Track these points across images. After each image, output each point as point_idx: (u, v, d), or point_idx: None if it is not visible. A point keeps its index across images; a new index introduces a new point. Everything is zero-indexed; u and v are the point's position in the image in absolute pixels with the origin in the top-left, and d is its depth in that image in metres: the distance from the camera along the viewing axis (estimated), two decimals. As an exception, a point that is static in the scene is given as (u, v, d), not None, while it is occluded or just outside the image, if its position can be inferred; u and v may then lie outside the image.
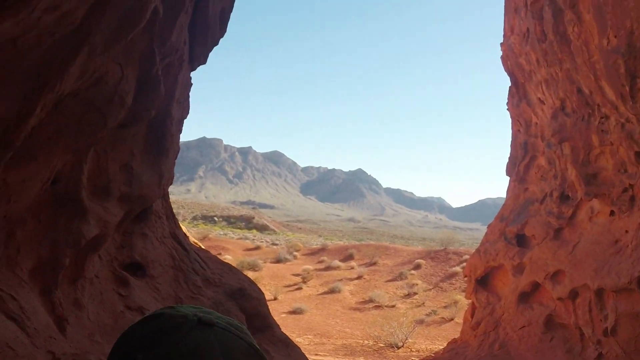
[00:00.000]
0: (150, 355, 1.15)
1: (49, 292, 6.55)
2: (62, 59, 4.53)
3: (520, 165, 17.56)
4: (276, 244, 58.02)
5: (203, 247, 14.56)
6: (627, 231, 11.72)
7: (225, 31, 11.69)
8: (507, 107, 18.32)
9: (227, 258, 34.83)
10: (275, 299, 30.61)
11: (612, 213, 12.46)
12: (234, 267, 13.52)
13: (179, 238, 10.98)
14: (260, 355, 1.19)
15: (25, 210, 5.99)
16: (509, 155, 18.69)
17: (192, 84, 11.25)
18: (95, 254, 7.81)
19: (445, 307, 30.63)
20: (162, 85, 7.68)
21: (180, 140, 10.64)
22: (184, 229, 12.71)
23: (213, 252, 21.16)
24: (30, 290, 6.00)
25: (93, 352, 6.27)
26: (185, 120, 10.92)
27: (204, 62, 11.32)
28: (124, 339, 1.20)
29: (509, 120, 18.67)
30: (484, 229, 21.84)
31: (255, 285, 12.36)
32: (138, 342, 1.18)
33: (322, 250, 47.55)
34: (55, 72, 4.43)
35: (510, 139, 18.67)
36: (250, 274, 26.82)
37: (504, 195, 19.92)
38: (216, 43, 11.44)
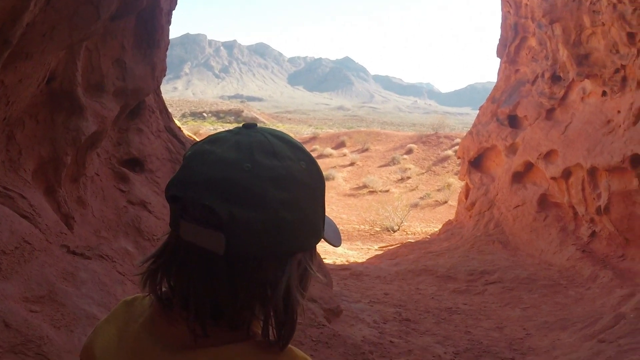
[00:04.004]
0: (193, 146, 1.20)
1: (53, 191, 6.60)
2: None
3: (510, 46, 17.48)
4: (267, 136, 57.48)
5: (198, 140, 14.57)
6: (619, 111, 11.78)
7: None
8: (496, -12, 18.07)
9: (220, 151, 34.74)
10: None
11: (604, 93, 12.51)
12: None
13: (174, 131, 10.96)
14: (276, 151, 1.14)
15: (23, 111, 5.96)
16: (499, 37, 18.57)
17: (175, -27, 10.94)
18: (94, 151, 7.82)
19: (438, 190, 30.98)
20: (152, -26, 7.51)
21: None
22: (177, 123, 12.69)
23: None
24: (36, 190, 6.06)
25: (102, 246, 6.39)
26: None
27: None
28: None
29: (498, 1, 18.46)
30: (474, 113, 21.88)
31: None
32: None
33: (314, 139, 47.45)
34: (44, -34, 4.32)
35: (500, 21, 18.52)
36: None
37: (493, 79, 19.91)
38: None
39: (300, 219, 1.13)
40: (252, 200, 1.07)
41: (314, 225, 1.18)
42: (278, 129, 1.24)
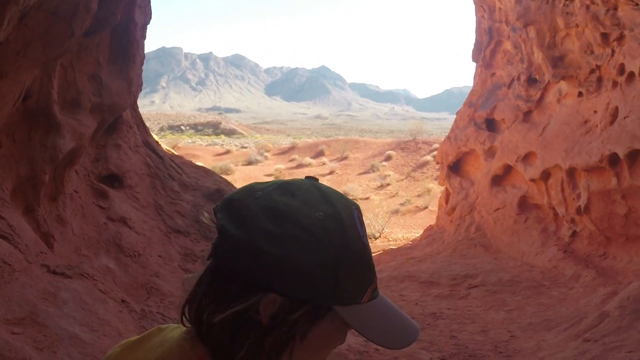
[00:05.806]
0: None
1: (32, 210, 6.54)
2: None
3: (486, 50, 17.54)
4: (245, 147, 57.17)
5: (176, 153, 14.53)
6: (595, 111, 11.86)
7: None
8: (469, -7, 18.13)
9: (199, 164, 34.62)
10: (250, 200, 30.54)
11: (580, 94, 12.58)
12: (209, 169, 13.54)
13: (152, 146, 10.93)
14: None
15: (-1, 130, 5.90)
16: (474, 41, 18.63)
17: (150, -13, 10.89)
18: (73, 169, 7.76)
19: (418, 195, 30.99)
20: (125, -12, 7.47)
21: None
22: (155, 137, 12.64)
23: (185, 159, 21.00)
24: (15, 210, 5.99)
25: (82, 264, 6.33)
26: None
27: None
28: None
29: (472, 6, 18.53)
30: (452, 118, 21.95)
31: (232, 185, 12.39)
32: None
33: (292, 148, 47.45)
34: (16, -17, 4.28)
35: (475, 26, 18.58)
36: (224, 178, 26.76)
37: (469, 84, 19.98)
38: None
39: (280, 256, 1.09)
40: (240, 220, 1.13)
41: (305, 275, 1.10)
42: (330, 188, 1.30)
